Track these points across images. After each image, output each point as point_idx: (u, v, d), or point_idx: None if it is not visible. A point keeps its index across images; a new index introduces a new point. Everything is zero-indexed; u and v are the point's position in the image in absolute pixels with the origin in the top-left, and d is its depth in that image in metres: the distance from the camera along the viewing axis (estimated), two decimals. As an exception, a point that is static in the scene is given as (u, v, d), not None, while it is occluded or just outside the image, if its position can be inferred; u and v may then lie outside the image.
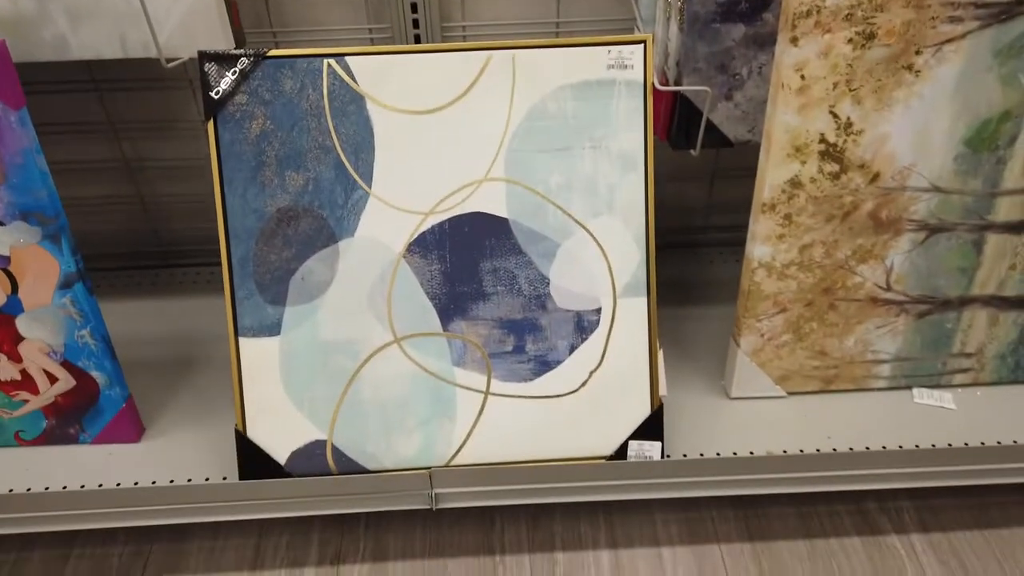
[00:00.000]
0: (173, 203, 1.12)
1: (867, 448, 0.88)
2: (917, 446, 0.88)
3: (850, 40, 0.74)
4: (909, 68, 0.76)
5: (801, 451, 0.88)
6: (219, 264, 1.15)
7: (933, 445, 0.88)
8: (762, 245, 0.84)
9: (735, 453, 0.88)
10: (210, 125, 0.77)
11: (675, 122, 0.87)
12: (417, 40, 0.95)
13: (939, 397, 0.94)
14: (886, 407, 0.93)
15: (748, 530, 0.95)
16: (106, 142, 1.06)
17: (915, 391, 0.95)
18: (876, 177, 0.81)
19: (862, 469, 0.87)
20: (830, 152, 0.79)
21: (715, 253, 1.19)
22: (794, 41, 0.73)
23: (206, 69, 0.76)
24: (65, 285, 0.79)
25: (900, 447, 0.88)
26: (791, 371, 0.93)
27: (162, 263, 1.16)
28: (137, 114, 1.04)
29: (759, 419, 0.92)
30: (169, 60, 0.79)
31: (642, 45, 0.78)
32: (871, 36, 0.74)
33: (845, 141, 0.79)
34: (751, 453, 0.88)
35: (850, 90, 0.76)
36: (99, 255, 1.14)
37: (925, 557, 0.92)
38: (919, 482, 0.88)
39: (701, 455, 0.87)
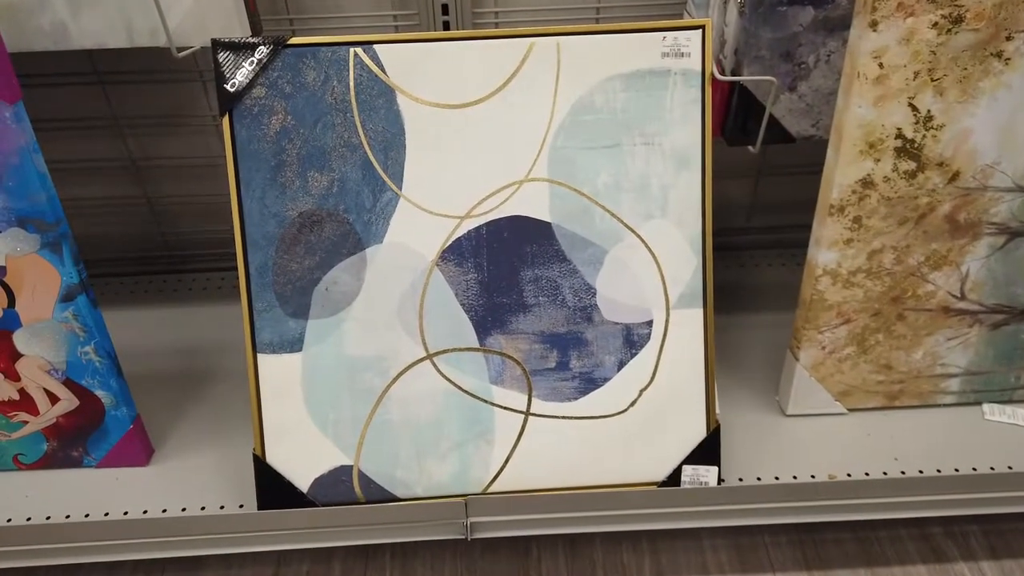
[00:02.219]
0: (182, 205, 1.05)
1: (938, 471, 0.81)
2: (992, 468, 0.81)
3: (935, 24, 0.66)
4: (998, 56, 0.68)
5: (867, 474, 0.81)
6: (232, 270, 1.09)
7: (1010, 467, 0.81)
8: (827, 251, 0.77)
9: (795, 477, 0.81)
10: (225, 121, 0.70)
11: (731, 116, 0.80)
12: (446, 28, 0.88)
13: (1012, 414, 0.87)
14: (954, 425, 0.86)
15: (804, 557, 0.88)
16: (110, 139, 0.99)
17: (985, 407, 0.88)
18: (955, 176, 0.74)
19: (933, 495, 0.80)
20: (907, 149, 0.72)
21: (759, 256, 1.12)
22: (873, 25, 0.66)
23: (220, 59, 0.69)
24: (67, 298, 0.72)
25: (974, 469, 0.81)
26: (853, 386, 0.86)
27: (170, 268, 1.09)
28: (143, 109, 0.96)
29: (818, 438, 0.85)
30: (180, 49, 0.72)
31: (700, 31, 0.71)
32: (958, 20, 0.66)
33: (924, 137, 0.72)
34: (812, 477, 0.81)
35: (932, 80, 0.69)
36: (102, 260, 1.07)
37: (997, 587, 0.85)
38: (995, 508, 0.81)
39: (758, 479, 0.80)
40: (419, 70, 0.70)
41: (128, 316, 1.02)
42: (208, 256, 1.09)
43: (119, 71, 0.93)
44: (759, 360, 0.94)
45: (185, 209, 1.05)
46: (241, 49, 0.69)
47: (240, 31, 0.74)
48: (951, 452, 0.83)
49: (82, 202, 1.03)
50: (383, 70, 0.70)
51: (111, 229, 1.06)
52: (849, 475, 0.81)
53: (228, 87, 0.69)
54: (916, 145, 0.72)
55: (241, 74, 0.69)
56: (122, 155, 0.99)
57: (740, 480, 0.80)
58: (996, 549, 0.89)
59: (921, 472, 0.81)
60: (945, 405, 0.88)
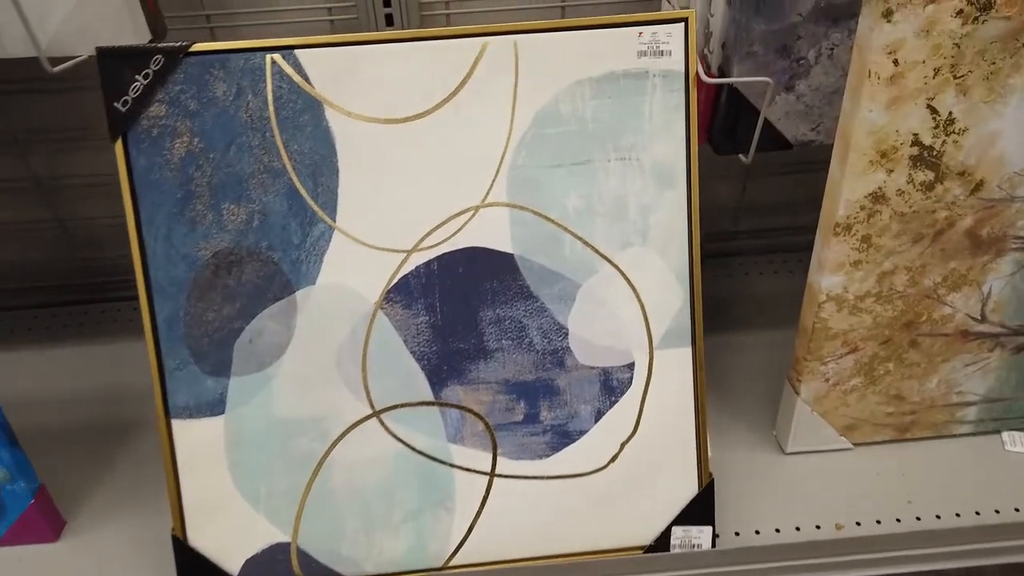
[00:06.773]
0: (100, 226, 0.92)
1: (957, 515, 0.72)
2: (1017, 510, 0.72)
3: (959, 12, 0.56)
4: (1031, 48, 0.58)
5: (878, 522, 0.72)
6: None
7: (1037, 507, 0.72)
8: (832, 275, 0.67)
9: (798, 528, 0.72)
10: (119, 146, 0.58)
11: (719, 120, 0.69)
12: (389, 24, 0.76)
13: (1034, 442, 0.78)
14: (972, 457, 0.78)
15: (809, 609, 0.79)
16: (8, 157, 0.86)
17: (1005, 436, 0.79)
18: (979, 186, 0.64)
19: (953, 546, 0.71)
20: (924, 157, 0.62)
21: (749, 263, 1.02)
22: (887, 15, 0.56)
23: (108, 72, 0.57)
24: (-65, 362, 0.60)
25: (996, 512, 0.72)
26: (859, 419, 0.77)
27: (92, 297, 0.97)
28: (43, 122, 0.84)
29: (822, 479, 0.76)
30: (56, 62, 0.60)
31: (682, 24, 0.60)
32: (987, 7, 0.56)
33: (944, 143, 0.62)
34: (817, 527, 0.72)
35: (955, 78, 0.59)
36: (9, 291, 0.94)
37: (1022, 636, 0.77)
38: (1021, 556, 0.72)
39: (757, 532, 0.71)
40: (351, 78, 0.59)
41: (38, 356, 0.90)
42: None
43: (8, 79, 0.80)
44: (753, 386, 0.85)
45: (104, 231, 0.93)
46: (132, 59, 0.57)
47: (135, 36, 0.62)
48: (970, 490, 0.74)
49: (-14, 227, 0.90)
50: (307, 80, 0.59)
51: (19, 255, 0.93)
52: (858, 523, 0.72)
53: (119, 105, 0.58)
54: (935, 153, 0.62)
55: (134, 89, 0.57)
56: (24, 175, 0.87)
57: (736, 534, 0.71)
58: (1017, 590, 0.80)
59: (938, 517, 0.72)
60: (961, 435, 0.79)
